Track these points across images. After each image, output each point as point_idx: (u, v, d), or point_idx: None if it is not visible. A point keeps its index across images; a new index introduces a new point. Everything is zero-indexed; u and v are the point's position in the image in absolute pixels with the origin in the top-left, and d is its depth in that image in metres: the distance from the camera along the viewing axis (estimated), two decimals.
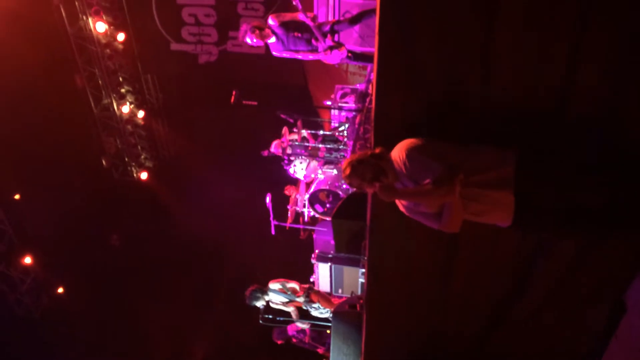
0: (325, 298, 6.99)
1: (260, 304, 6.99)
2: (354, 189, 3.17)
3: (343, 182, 7.33)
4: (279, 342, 7.77)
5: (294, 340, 7.73)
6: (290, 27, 6.12)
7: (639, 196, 2.91)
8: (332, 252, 7.16)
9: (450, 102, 3.18)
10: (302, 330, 7.39)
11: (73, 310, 11.89)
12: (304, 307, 7.01)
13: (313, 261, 7.30)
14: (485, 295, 4.11)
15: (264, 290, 7.00)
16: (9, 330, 11.31)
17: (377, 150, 3.15)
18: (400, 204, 3.26)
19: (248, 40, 6.14)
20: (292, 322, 7.31)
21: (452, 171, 2.93)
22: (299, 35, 6.16)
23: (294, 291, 6.92)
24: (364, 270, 6.27)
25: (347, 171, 3.13)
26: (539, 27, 2.88)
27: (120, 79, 11.74)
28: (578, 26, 2.84)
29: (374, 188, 3.05)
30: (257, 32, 6.06)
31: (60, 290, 12.20)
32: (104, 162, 12.44)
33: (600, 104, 3.05)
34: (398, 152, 3.09)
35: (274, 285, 6.98)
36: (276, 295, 6.99)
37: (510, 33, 2.91)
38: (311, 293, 6.94)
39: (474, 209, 3.02)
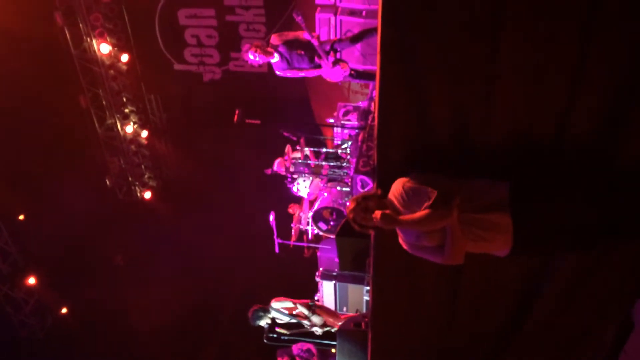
0: (330, 312, 6.93)
1: (264, 323, 6.94)
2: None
3: (346, 199, 7.33)
4: None
5: (298, 359, 7.65)
6: (293, 45, 6.19)
7: (635, 206, 2.95)
8: (336, 270, 7.13)
9: (452, 119, 3.20)
10: (308, 350, 7.31)
11: (77, 330, 11.84)
12: (308, 328, 6.94)
13: (317, 279, 7.27)
14: (491, 313, 4.08)
15: (267, 309, 6.95)
16: (14, 351, 11.26)
17: (379, 192, 3.30)
18: (403, 242, 3.31)
19: (251, 57, 6.21)
20: (297, 341, 7.24)
21: (447, 196, 3.00)
22: (302, 52, 6.22)
23: (292, 311, 6.86)
24: (368, 288, 6.24)
25: (352, 206, 3.23)
26: (542, 50, 2.90)
27: (124, 99, 11.83)
28: (579, 55, 2.87)
29: (376, 218, 3.11)
30: (260, 48, 6.14)
31: (64, 310, 12.15)
32: (107, 182, 12.48)
33: (596, 130, 3.08)
34: (395, 188, 3.20)
35: (276, 304, 6.94)
36: (279, 314, 6.94)
37: (512, 55, 2.94)
38: (316, 310, 6.88)
39: (474, 234, 3.05)
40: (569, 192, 3.03)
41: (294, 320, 6.90)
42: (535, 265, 3.67)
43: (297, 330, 6.97)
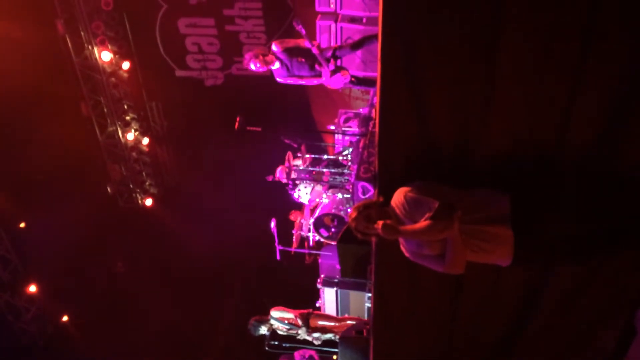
0: (329, 317, 6.90)
1: (264, 331, 6.93)
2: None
3: (348, 206, 7.33)
4: None
5: None
6: (293, 52, 6.21)
7: (635, 214, 2.96)
8: (337, 276, 7.12)
9: (452, 125, 3.20)
10: (311, 357, 7.30)
11: (78, 338, 11.80)
12: (306, 338, 6.93)
13: (319, 286, 7.25)
14: (492, 320, 4.07)
15: (264, 319, 6.94)
16: (13, 359, 11.22)
17: (381, 199, 3.29)
18: (405, 249, 3.32)
19: (252, 66, 6.23)
20: (299, 348, 7.23)
21: (449, 207, 3.01)
22: (303, 60, 6.24)
23: (291, 321, 6.85)
24: (370, 294, 6.23)
25: (354, 214, 3.23)
26: (542, 53, 2.91)
27: (125, 107, 11.85)
28: (579, 58, 2.88)
29: (378, 228, 3.11)
30: (261, 57, 6.16)
31: (65, 318, 12.12)
32: (109, 189, 12.48)
33: (594, 141, 3.09)
34: (397, 197, 3.21)
35: (275, 313, 6.92)
36: (279, 324, 6.93)
37: (512, 59, 2.94)
38: (311, 319, 6.85)
39: (475, 245, 3.07)
40: (570, 202, 3.04)
41: (292, 331, 6.90)
42: (536, 272, 3.67)
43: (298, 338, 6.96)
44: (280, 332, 7.00)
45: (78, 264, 11.77)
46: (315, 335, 6.84)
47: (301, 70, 6.31)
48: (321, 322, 6.81)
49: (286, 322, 6.83)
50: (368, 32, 7.30)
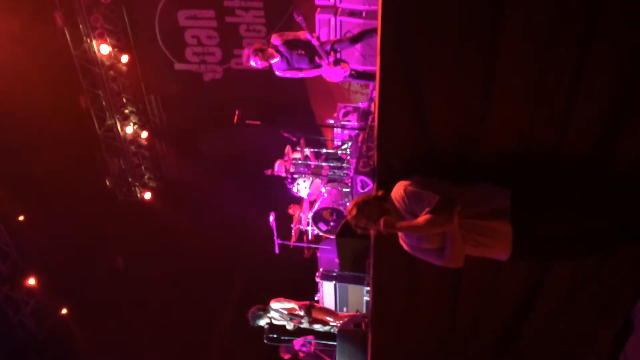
0: (330, 312, 6.92)
1: (264, 322, 6.95)
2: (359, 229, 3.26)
3: (346, 200, 7.33)
4: (286, 357, 7.70)
5: (301, 354, 7.66)
6: (293, 45, 6.19)
7: (633, 212, 2.96)
8: (336, 270, 7.13)
9: (452, 120, 3.19)
10: (308, 343, 7.33)
11: (77, 332, 11.82)
12: (309, 327, 6.95)
13: (317, 279, 7.27)
14: (491, 316, 4.08)
15: (266, 309, 6.96)
16: (12, 353, 11.24)
17: (380, 193, 3.28)
18: (404, 243, 3.32)
19: (252, 63, 6.22)
20: (297, 338, 7.25)
21: (449, 202, 3.02)
22: (302, 52, 6.22)
23: (292, 311, 6.86)
24: (368, 288, 6.24)
25: (354, 212, 3.22)
26: (542, 53, 2.90)
27: (124, 100, 11.83)
28: (579, 59, 2.87)
29: (379, 225, 3.12)
30: (261, 54, 6.14)
31: (64, 311, 12.13)
32: (107, 183, 12.47)
33: (594, 139, 3.09)
34: (397, 190, 3.21)
35: (275, 304, 6.94)
36: (278, 315, 6.94)
37: (510, 59, 2.94)
38: (313, 311, 6.88)
39: (474, 240, 3.07)
40: (569, 200, 3.04)
41: (291, 325, 6.91)
42: (536, 269, 3.67)
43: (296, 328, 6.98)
44: (277, 322, 7.01)
45: (77, 258, 11.77)
46: (317, 326, 6.86)
47: (301, 63, 6.29)
48: (322, 317, 6.83)
49: (286, 312, 6.85)
50: (367, 26, 7.28)
